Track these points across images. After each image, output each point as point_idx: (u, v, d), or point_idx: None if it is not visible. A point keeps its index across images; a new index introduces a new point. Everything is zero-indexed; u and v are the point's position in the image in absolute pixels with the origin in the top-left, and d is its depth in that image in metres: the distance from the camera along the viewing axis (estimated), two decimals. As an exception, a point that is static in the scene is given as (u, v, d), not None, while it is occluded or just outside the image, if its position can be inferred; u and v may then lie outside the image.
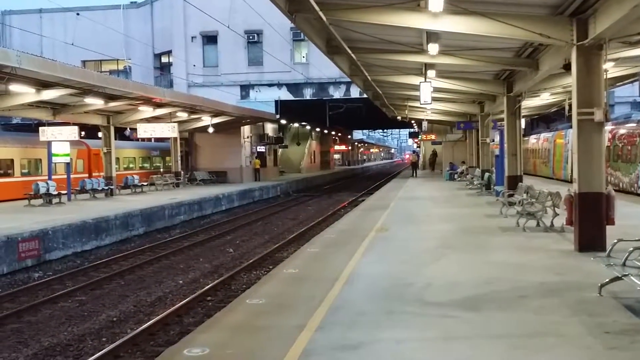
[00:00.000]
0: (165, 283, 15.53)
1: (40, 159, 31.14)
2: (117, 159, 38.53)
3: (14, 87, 20.64)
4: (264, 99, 48.07)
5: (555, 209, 15.72)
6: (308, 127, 62.42)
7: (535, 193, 17.60)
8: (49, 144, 28.18)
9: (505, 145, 23.01)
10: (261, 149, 49.56)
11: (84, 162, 35.56)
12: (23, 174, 30.30)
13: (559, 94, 26.23)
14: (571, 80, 12.89)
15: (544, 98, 27.60)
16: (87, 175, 33.97)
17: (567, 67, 13.47)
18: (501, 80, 22.67)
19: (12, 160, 30.07)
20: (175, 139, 38.74)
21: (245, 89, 48.88)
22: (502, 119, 24.29)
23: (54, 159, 28.39)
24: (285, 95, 48.37)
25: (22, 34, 47.36)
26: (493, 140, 30.40)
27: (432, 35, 15.48)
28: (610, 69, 15.61)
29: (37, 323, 12.04)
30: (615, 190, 13.61)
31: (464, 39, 15.50)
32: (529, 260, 11.90)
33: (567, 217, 13.31)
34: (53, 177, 28.60)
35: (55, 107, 27.28)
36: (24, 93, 21.78)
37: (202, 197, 30.79)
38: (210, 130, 38.93)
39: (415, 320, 8.07)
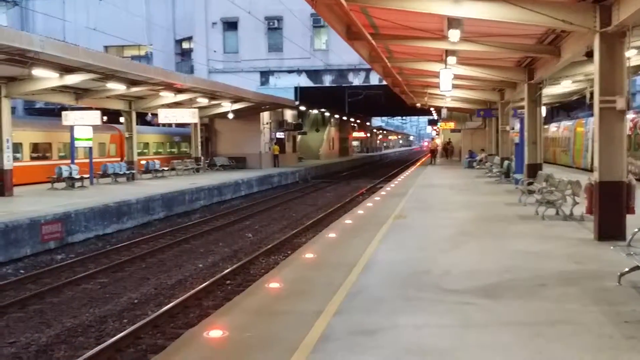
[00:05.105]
0: (185, 267, 15.68)
1: None
2: (147, 144, 39.31)
3: (37, 72, 20.81)
4: (284, 86, 48.05)
5: (575, 197, 15.65)
6: (327, 114, 62.32)
7: (555, 181, 17.50)
8: (71, 128, 28.52)
9: (526, 133, 22.87)
10: (280, 135, 49.63)
11: (116, 146, 36.12)
12: (60, 157, 31.05)
13: (580, 82, 26.01)
14: (593, 68, 12.78)
15: (565, 86, 27.36)
16: (119, 159, 34.44)
17: (589, 55, 13.36)
18: (522, 68, 22.50)
19: (50, 144, 31.17)
20: (195, 124, 38.92)
21: (265, 75, 48.88)
22: (523, 107, 24.13)
23: (77, 144, 28.77)
24: (304, 81, 48.31)
25: (46, 19, 47.64)
26: (513, 128, 30.22)
27: (453, 22, 15.36)
28: (633, 57, 15.44)
29: (60, 304, 12.23)
30: (636, 180, 13.52)
31: (486, 25, 15.42)
32: (548, 249, 11.88)
33: (587, 205, 13.26)
34: (85, 161, 29.37)
35: (77, 91, 27.50)
36: (47, 78, 21.96)
37: (222, 183, 30.93)
38: (230, 116, 39.04)
39: (434, 307, 8.09)
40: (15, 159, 27.44)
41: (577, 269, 10.10)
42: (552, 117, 50.99)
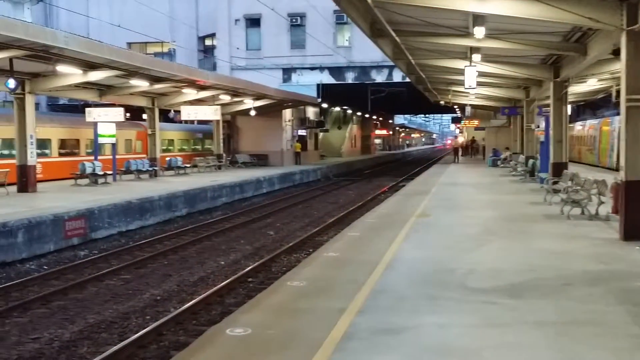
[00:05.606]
0: (207, 263, 15.71)
1: None
2: (172, 140, 39.75)
3: (61, 68, 20.98)
4: (306, 83, 47.96)
5: (601, 196, 15.46)
6: (349, 111, 62.24)
7: (580, 180, 17.33)
8: (95, 124, 28.73)
9: (551, 131, 22.65)
10: (302, 132, 49.63)
11: (142, 143, 36.41)
12: (88, 154, 31.56)
13: (606, 80, 25.70)
14: (620, 66, 12.62)
15: (591, 84, 27.06)
16: (145, 155, 34.70)
17: (616, 53, 13.19)
18: (548, 65, 22.27)
19: (77, 141, 31.92)
20: (217, 121, 39.07)
21: (288, 72, 48.84)
22: (548, 105, 23.89)
23: (100, 140, 29.02)
24: (327, 79, 48.19)
25: (69, 15, 47.93)
26: (538, 127, 29.94)
27: (478, 18, 15.24)
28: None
29: (83, 300, 12.29)
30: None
31: (511, 22, 15.26)
32: (573, 248, 11.75)
33: (613, 205, 13.09)
34: (110, 157, 29.73)
35: (101, 88, 27.70)
36: (71, 74, 22.12)
37: (244, 180, 30.99)
38: (252, 113, 39.10)
39: (458, 306, 8.03)
40: (45, 155, 27.87)
41: (602, 268, 9.99)
42: (577, 115, 50.52)
